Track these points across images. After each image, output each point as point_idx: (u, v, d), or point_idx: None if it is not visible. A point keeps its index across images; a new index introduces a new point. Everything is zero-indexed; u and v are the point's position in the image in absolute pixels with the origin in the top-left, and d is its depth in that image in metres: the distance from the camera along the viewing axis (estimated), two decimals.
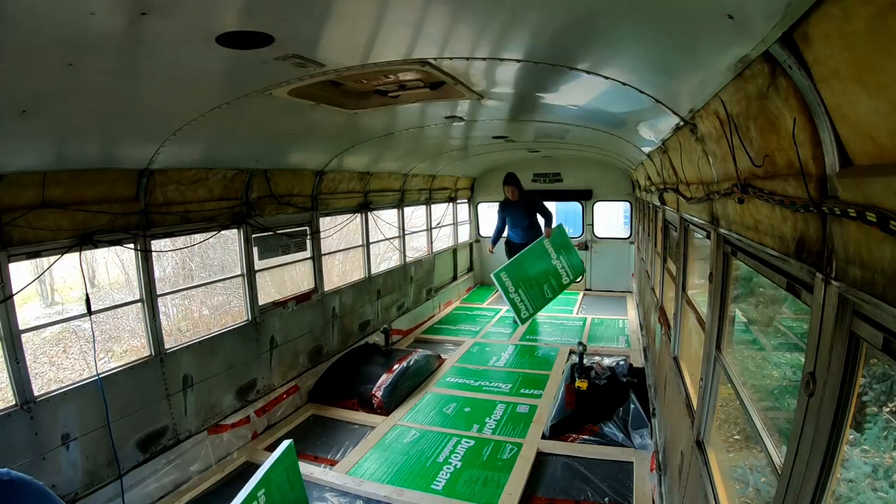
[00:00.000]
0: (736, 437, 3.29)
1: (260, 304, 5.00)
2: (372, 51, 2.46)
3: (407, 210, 8.61)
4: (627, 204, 10.76)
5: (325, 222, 6.35)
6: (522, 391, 5.86)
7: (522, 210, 8.05)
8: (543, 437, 4.72)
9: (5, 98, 2.17)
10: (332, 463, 4.39)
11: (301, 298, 5.68)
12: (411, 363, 6.00)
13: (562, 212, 14.99)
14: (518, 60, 2.62)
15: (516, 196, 7.95)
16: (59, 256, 3.25)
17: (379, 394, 5.36)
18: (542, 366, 6.66)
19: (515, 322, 8.02)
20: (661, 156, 4.04)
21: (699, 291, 3.48)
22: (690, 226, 3.42)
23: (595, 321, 8.74)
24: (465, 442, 4.68)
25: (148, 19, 1.77)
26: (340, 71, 2.71)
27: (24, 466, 2.98)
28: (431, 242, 9.69)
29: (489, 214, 12.05)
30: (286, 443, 3.35)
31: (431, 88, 3.53)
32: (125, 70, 2.24)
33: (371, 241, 7.24)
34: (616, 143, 5.83)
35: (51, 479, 3.12)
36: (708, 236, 2.71)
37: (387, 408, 5.29)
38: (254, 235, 4.89)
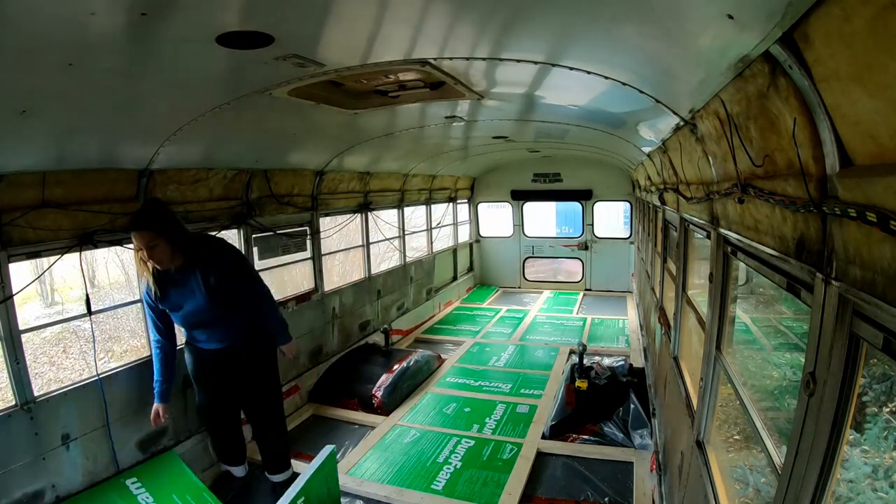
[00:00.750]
0: (736, 437, 3.30)
1: None
2: (372, 51, 2.46)
3: (407, 210, 8.61)
4: (627, 204, 10.76)
5: (326, 222, 6.35)
6: (522, 391, 5.85)
7: (203, 286, 3.41)
8: (543, 437, 4.72)
9: (5, 98, 2.16)
10: None
11: (301, 298, 5.68)
12: (411, 363, 6.00)
13: (562, 212, 15.03)
14: (518, 60, 2.62)
15: (174, 260, 3.33)
16: (59, 256, 3.25)
17: (379, 394, 5.36)
18: (542, 366, 6.66)
19: None
20: (661, 156, 4.04)
21: (699, 291, 3.48)
22: (690, 226, 3.42)
23: (595, 321, 8.74)
24: (465, 442, 4.68)
25: (148, 19, 1.77)
26: (340, 71, 2.71)
27: (24, 467, 2.98)
28: (431, 242, 9.69)
29: (489, 214, 12.08)
30: (328, 448, 3.29)
31: (431, 88, 3.53)
32: (125, 70, 2.24)
33: (371, 241, 7.24)
34: (616, 143, 5.83)
35: (51, 480, 3.12)
36: (708, 236, 2.71)
37: (387, 408, 5.29)
38: (254, 235, 4.88)
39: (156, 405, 3.49)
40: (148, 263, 3.29)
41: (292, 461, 4.31)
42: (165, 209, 3.38)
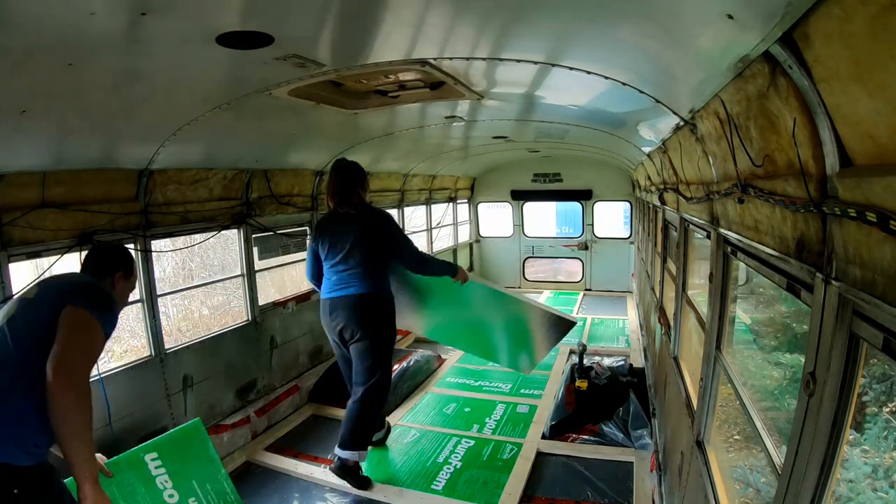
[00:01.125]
0: (736, 437, 3.30)
1: (260, 304, 5.00)
2: (372, 51, 2.46)
3: (407, 210, 8.61)
4: (627, 204, 10.76)
5: None
6: (522, 391, 5.86)
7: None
8: (543, 437, 4.72)
9: (5, 98, 2.17)
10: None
11: (301, 298, 5.68)
12: (411, 363, 6.00)
13: (562, 212, 15.02)
14: (518, 60, 2.62)
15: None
16: (59, 256, 3.25)
17: None
18: (542, 366, 6.64)
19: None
20: (661, 156, 4.04)
21: (699, 291, 3.48)
22: (690, 226, 3.42)
23: (595, 321, 8.73)
24: (465, 442, 4.68)
25: (148, 19, 1.77)
26: (340, 71, 2.71)
27: None
28: (431, 242, 9.68)
29: (489, 214, 12.07)
30: (194, 421, 3.31)
31: (431, 88, 3.53)
32: (125, 70, 2.24)
33: None
34: (616, 143, 5.83)
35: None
36: (708, 236, 2.71)
37: (387, 408, 5.28)
38: (254, 235, 4.88)
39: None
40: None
41: (293, 460, 4.33)
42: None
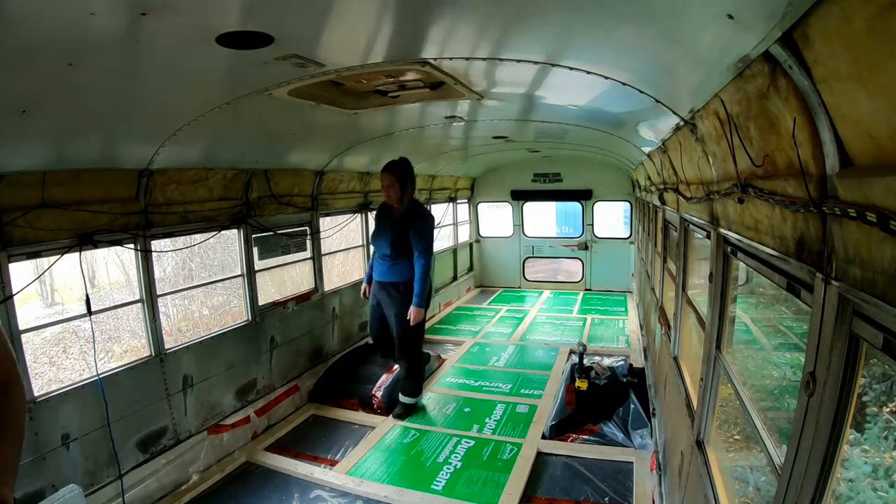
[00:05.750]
0: (736, 437, 3.29)
1: (260, 304, 5.00)
2: (372, 51, 2.46)
3: None
4: (627, 204, 10.76)
5: (326, 222, 6.34)
6: (522, 391, 5.85)
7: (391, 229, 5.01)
8: (543, 437, 4.72)
9: (5, 98, 2.17)
10: (332, 463, 4.39)
11: (301, 298, 5.68)
12: None
13: (562, 212, 15.03)
14: (518, 60, 2.62)
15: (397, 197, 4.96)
16: (59, 256, 3.25)
17: (379, 394, 5.36)
18: (542, 366, 6.65)
19: None
20: (661, 156, 4.04)
21: (699, 291, 3.48)
22: (690, 226, 3.42)
23: (595, 321, 8.73)
24: (465, 442, 4.68)
25: (148, 19, 1.77)
26: (340, 71, 2.71)
27: (23, 467, 2.98)
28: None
29: (489, 214, 12.07)
30: None
31: (431, 88, 3.53)
32: (125, 70, 2.24)
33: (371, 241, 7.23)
34: (616, 143, 5.83)
35: (50, 480, 3.12)
36: (708, 236, 2.71)
37: (387, 408, 5.29)
38: (254, 235, 4.88)
39: (364, 285, 5.36)
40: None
41: (293, 459, 4.33)
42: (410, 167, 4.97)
